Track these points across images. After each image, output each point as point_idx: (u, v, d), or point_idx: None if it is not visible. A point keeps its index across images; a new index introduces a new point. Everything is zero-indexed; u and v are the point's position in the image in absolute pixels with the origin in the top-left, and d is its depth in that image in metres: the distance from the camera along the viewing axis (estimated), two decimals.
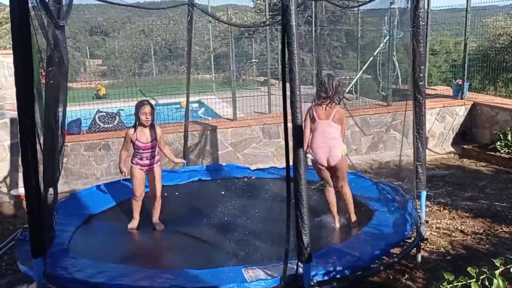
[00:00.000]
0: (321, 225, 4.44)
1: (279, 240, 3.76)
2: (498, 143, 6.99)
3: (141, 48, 19.05)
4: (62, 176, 6.12)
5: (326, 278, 3.18)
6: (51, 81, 3.49)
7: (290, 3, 2.60)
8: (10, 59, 6.11)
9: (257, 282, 3.07)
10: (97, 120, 6.91)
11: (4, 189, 6.13)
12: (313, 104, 4.30)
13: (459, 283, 2.06)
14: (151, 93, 11.42)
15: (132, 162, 4.84)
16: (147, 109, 4.70)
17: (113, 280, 3.25)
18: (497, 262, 2.10)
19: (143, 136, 4.70)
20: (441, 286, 2.13)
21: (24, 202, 5.64)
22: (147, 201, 4.87)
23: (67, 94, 4.00)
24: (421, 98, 3.75)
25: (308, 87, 10.11)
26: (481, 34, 10.71)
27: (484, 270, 2.07)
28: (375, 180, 5.47)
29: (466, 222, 4.79)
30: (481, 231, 4.55)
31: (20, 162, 6.09)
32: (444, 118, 8.01)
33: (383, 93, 8.70)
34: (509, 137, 6.93)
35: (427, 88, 5.60)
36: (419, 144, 3.81)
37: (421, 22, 3.58)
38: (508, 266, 2.08)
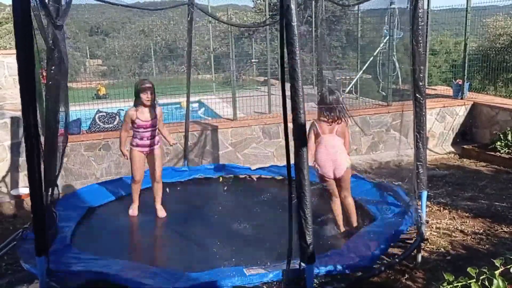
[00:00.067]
0: (322, 226, 4.44)
1: (281, 239, 3.78)
2: (498, 143, 6.99)
3: (141, 48, 19.06)
4: (62, 176, 6.15)
5: (327, 278, 3.18)
6: (51, 81, 3.49)
7: (291, 3, 2.59)
8: (10, 59, 6.12)
9: (258, 276, 3.08)
10: (97, 120, 6.91)
11: (4, 189, 6.13)
12: (317, 119, 4.33)
13: (459, 284, 2.06)
14: None
15: (131, 144, 4.73)
16: (148, 88, 4.61)
17: (116, 275, 3.26)
18: (497, 263, 2.10)
19: (144, 115, 4.62)
20: (441, 286, 2.14)
21: (24, 202, 5.71)
22: (150, 195, 4.82)
23: (68, 94, 4.01)
24: (422, 98, 3.75)
25: (308, 87, 10.11)
26: (481, 34, 10.71)
27: (484, 270, 2.07)
28: (375, 180, 5.46)
29: (466, 222, 4.79)
30: (481, 231, 4.55)
31: (20, 162, 6.12)
32: (444, 118, 8.01)
33: (383, 93, 8.70)
34: (509, 137, 6.93)
35: (427, 88, 5.59)
36: (420, 144, 3.81)
37: (420, 22, 3.58)
38: (508, 267, 2.08)
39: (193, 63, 7.29)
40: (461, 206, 5.21)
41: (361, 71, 9.56)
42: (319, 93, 4.49)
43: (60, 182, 3.80)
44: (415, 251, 3.87)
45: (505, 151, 6.88)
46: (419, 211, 3.98)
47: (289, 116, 2.77)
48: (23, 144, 6.02)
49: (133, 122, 4.65)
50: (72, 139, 6.39)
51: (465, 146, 7.60)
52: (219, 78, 14.52)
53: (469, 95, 8.47)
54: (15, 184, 6.17)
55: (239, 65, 13.29)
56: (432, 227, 4.64)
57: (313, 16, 8.92)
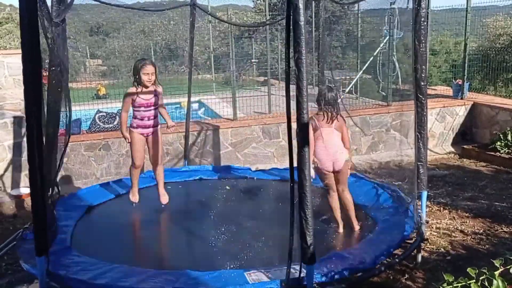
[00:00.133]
0: (323, 227, 4.44)
1: (281, 242, 3.78)
2: (498, 143, 6.99)
3: (141, 48, 19.03)
4: (62, 176, 6.15)
5: (327, 279, 3.18)
6: (53, 81, 3.49)
7: (299, 2, 2.57)
8: (10, 59, 6.12)
9: (260, 284, 3.08)
10: (97, 120, 6.91)
11: (4, 189, 6.13)
12: (315, 113, 4.35)
13: (459, 284, 2.06)
14: None
15: (131, 126, 4.58)
16: (149, 68, 4.45)
17: (116, 280, 3.26)
18: (496, 263, 2.10)
19: (145, 94, 4.48)
20: (440, 287, 2.14)
21: (24, 202, 5.71)
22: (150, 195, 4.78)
23: (69, 94, 4.01)
24: (423, 98, 3.75)
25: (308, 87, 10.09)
26: (481, 34, 10.71)
27: (484, 271, 2.07)
28: (375, 181, 5.46)
29: (466, 222, 4.79)
30: (481, 231, 4.55)
31: (20, 162, 6.13)
32: (444, 118, 8.01)
33: (383, 93, 8.70)
34: (509, 137, 6.93)
35: (427, 88, 5.58)
36: (421, 144, 3.81)
37: (422, 22, 3.58)
38: (508, 267, 2.08)
39: (193, 63, 7.27)
40: (461, 206, 5.22)
41: (361, 71, 9.55)
42: (319, 91, 4.49)
43: (60, 182, 3.79)
44: (415, 251, 3.87)
45: (505, 151, 6.88)
46: (419, 211, 3.99)
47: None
48: (23, 144, 6.03)
49: (133, 101, 4.48)
50: (72, 139, 6.36)
51: (465, 146, 7.60)
52: (219, 78, 14.51)
53: (469, 95, 8.47)
54: (15, 184, 6.17)
55: (239, 65, 13.28)
56: (432, 227, 4.64)
57: (313, 16, 8.93)
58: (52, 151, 3.57)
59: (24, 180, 6.12)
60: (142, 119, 4.55)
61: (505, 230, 4.55)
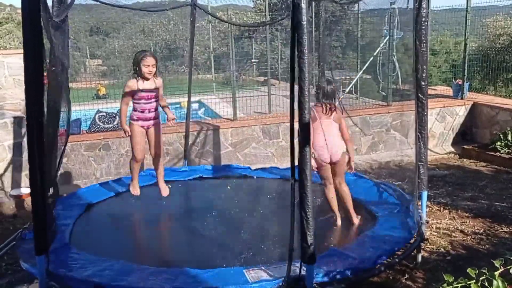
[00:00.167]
0: (323, 226, 4.44)
1: (281, 240, 3.78)
2: (498, 143, 6.99)
3: (141, 48, 18.98)
4: (62, 175, 6.15)
5: (327, 279, 3.18)
6: (52, 81, 3.49)
7: (302, 2, 2.58)
8: (10, 59, 6.12)
9: (260, 283, 3.08)
10: (97, 120, 6.91)
11: (4, 189, 6.13)
12: (314, 104, 4.36)
13: (459, 285, 2.05)
14: None
15: (131, 119, 4.54)
16: (150, 60, 4.40)
17: (115, 278, 3.26)
18: (496, 263, 2.10)
19: (145, 85, 4.43)
20: (440, 287, 2.13)
21: (25, 202, 5.71)
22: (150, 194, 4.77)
23: (69, 94, 4.01)
24: (424, 98, 3.75)
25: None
26: (481, 34, 10.71)
27: (484, 271, 2.07)
28: (376, 181, 5.46)
29: (466, 222, 4.79)
30: (481, 231, 4.55)
31: (20, 162, 6.13)
32: (444, 118, 8.01)
33: (383, 93, 8.70)
34: (509, 137, 6.93)
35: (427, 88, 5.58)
36: (421, 144, 3.81)
37: (424, 22, 3.59)
38: (508, 267, 2.08)
39: (194, 63, 7.27)
40: (461, 206, 5.21)
41: (361, 71, 9.55)
42: (318, 83, 4.52)
43: (60, 182, 3.79)
44: (415, 251, 3.87)
45: (505, 151, 6.88)
46: (420, 211, 3.99)
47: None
48: (23, 144, 6.03)
49: (133, 94, 4.43)
50: (72, 139, 6.39)
51: (465, 146, 7.60)
52: (219, 78, 14.51)
53: (469, 95, 8.47)
54: (15, 184, 6.17)
55: (239, 65, 13.28)
56: (432, 227, 4.64)
57: (313, 16, 8.93)
58: (52, 151, 3.57)
59: (24, 180, 6.12)
60: (142, 112, 4.52)
61: (505, 230, 4.55)
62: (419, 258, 3.91)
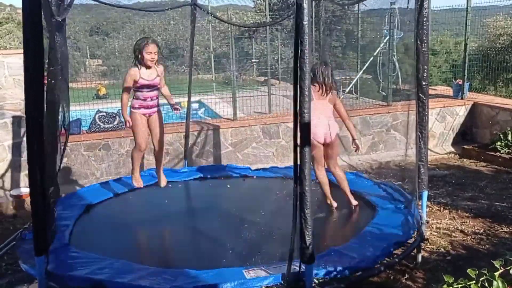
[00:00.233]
0: (323, 224, 4.45)
1: (280, 240, 3.78)
2: (498, 143, 6.99)
3: None
4: (62, 175, 6.14)
5: (327, 278, 3.18)
6: (52, 81, 3.49)
7: (303, 2, 2.59)
8: (10, 59, 6.12)
9: (258, 279, 3.08)
10: (97, 120, 6.91)
11: (4, 189, 6.13)
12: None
13: (459, 285, 2.05)
14: None
15: (133, 107, 4.47)
16: (152, 47, 4.33)
17: (114, 279, 3.26)
18: (496, 264, 2.10)
19: (147, 74, 4.37)
20: None
21: (25, 202, 5.71)
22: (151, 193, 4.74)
23: (69, 93, 4.00)
24: (424, 98, 3.76)
25: None
26: (481, 34, 10.70)
27: (484, 272, 2.07)
28: (376, 181, 5.46)
29: (466, 222, 4.79)
30: (481, 231, 4.55)
31: (20, 162, 6.12)
32: (444, 118, 8.00)
33: (383, 93, 8.70)
34: (509, 137, 6.92)
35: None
36: (422, 144, 3.81)
37: (425, 21, 3.59)
38: (508, 268, 2.08)
39: (194, 63, 7.24)
40: (461, 206, 5.21)
41: (361, 71, 9.55)
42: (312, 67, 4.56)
43: (60, 182, 3.79)
44: (415, 251, 3.87)
45: (505, 151, 6.88)
46: (420, 211, 3.99)
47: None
48: (23, 144, 6.02)
49: (135, 82, 4.36)
50: (72, 139, 6.39)
51: (465, 146, 7.59)
52: (219, 78, 14.50)
53: (469, 95, 8.47)
54: (15, 184, 6.17)
55: (239, 65, 13.27)
56: (432, 227, 4.64)
57: (313, 16, 8.92)
58: (52, 150, 3.57)
59: (24, 180, 6.12)
60: (145, 100, 4.45)
61: (505, 230, 4.55)
62: (419, 258, 3.91)
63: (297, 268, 3.00)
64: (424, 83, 3.72)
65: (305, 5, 2.60)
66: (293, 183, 2.87)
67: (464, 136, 8.13)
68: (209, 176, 6.02)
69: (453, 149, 7.83)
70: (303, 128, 2.75)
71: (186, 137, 6.50)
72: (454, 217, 4.92)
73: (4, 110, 6.10)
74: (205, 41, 16.43)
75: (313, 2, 6.45)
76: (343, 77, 10.05)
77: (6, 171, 6.14)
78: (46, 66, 3.48)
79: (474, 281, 2.06)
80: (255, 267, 3.34)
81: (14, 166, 6.16)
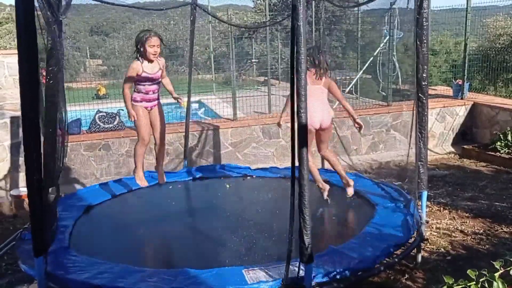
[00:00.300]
0: (322, 224, 4.45)
1: (280, 240, 3.78)
2: (498, 143, 6.99)
3: None
4: (62, 175, 6.14)
5: (326, 279, 3.18)
6: (51, 81, 3.48)
7: (298, 3, 2.60)
8: (10, 59, 6.11)
9: (258, 284, 3.07)
10: (97, 120, 6.91)
11: (4, 189, 6.13)
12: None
13: (459, 286, 2.05)
14: None
15: (134, 100, 4.46)
16: (155, 40, 4.30)
17: (114, 280, 3.26)
18: (496, 264, 2.09)
19: (150, 67, 4.36)
20: None
21: (25, 202, 5.71)
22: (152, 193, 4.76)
23: (65, 93, 3.99)
24: (424, 98, 3.76)
25: None
26: (481, 34, 10.69)
27: (484, 272, 2.07)
28: (376, 181, 5.46)
29: (466, 222, 4.79)
30: (481, 231, 4.55)
31: (20, 162, 6.12)
32: (444, 118, 8.00)
33: (383, 93, 8.70)
34: (509, 137, 6.92)
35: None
36: (422, 144, 3.81)
37: (424, 22, 3.59)
38: (508, 268, 2.08)
39: (193, 63, 7.23)
40: (461, 206, 5.21)
41: (361, 71, 9.55)
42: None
43: (59, 182, 3.78)
44: (415, 251, 3.87)
45: (505, 151, 6.88)
46: (419, 211, 3.99)
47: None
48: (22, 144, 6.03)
49: (138, 75, 4.34)
50: (72, 139, 6.39)
51: (465, 146, 7.59)
52: (219, 78, 14.49)
53: (469, 95, 8.47)
54: (15, 184, 6.16)
55: (239, 65, 13.27)
56: (432, 227, 4.64)
57: (313, 16, 8.93)
58: (52, 150, 3.56)
59: (24, 180, 6.10)
60: (147, 93, 4.44)
61: (505, 230, 4.55)
62: (419, 258, 3.91)
63: (296, 268, 3.00)
64: (423, 83, 3.72)
65: (301, 7, 2.60)
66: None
67: (464, 136, 8.13)
68: (208, 176, 6.03)
69: (453, 149, 7.83)
70: (300, 128, 2.75)
71: (186, 137, 6.50)
72: (454, 217, 4.92)
73: (4, 110, 6.10)
74: (205, 41, 16.43)
75: (313, 2, 6.45)
76: (343, 77, 10.05)
77: (6, 171, 6.14)
78: (46, 66, 3.48)
79: (474, 282, 2.06)
80: (255, 266, 3.34)
81: (14, 166, 6.16)
